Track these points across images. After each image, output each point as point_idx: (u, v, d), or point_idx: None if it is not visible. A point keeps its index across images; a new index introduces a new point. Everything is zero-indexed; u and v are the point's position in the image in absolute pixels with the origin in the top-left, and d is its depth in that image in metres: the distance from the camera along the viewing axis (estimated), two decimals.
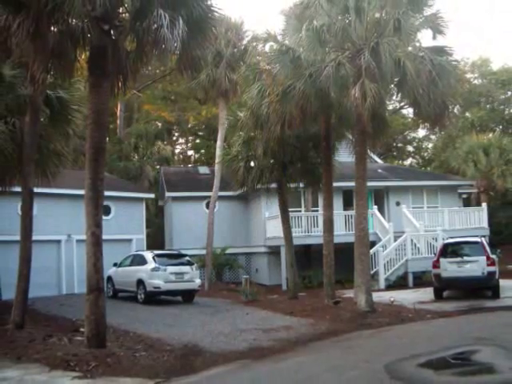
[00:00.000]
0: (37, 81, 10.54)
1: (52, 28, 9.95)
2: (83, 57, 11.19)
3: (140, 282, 17.94)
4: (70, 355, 9.18)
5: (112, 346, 10.15)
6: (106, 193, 11.32)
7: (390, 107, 37.23)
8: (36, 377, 8.18)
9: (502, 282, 17.31)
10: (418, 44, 15.50)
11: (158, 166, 35.08)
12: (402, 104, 34.68)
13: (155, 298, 18.00)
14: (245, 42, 24.68)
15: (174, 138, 47.95)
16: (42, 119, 13.39)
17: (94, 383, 7.94)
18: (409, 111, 39.23)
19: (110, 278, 19.42)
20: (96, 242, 10.01)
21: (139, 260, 18.76)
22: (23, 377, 8.14)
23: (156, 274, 17.64)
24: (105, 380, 8.10)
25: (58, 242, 21.32)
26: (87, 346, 9.76)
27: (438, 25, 14.62)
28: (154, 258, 18.22)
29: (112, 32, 10.22)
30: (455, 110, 16.84)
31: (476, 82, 42.74)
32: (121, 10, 10.69)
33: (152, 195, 27.41)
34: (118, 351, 9.71)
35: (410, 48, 15.14)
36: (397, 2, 14.43)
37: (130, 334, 11.92)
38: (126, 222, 23.22)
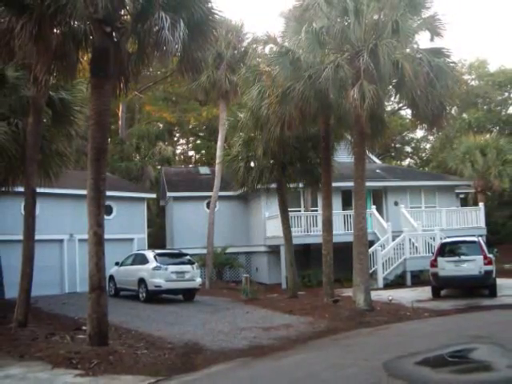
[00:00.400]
0: (39, 82, 10.63)
1: (54, 30, 9.99)
2: (85, 58, 11.28)
3: (141, 281, 18.04)
4: (73, 353, 9.21)
5: (114, 344, 10.18)
6: (108, 193, 11.43)
7: (389, 108, 37.28)
8: (39, 374, 8.23)
9: (499, 281, 17.47)
10: (415, 46, 15.53)
11: (159, 167, 35.19)
12: (400, 105, 34.73)
13: (156, 296, 18.10)
14: (245, 43, 24.83)
15: (175, 139, 48.02)
16: (44, 120, 13.43)
17: (96, 381, 7.99)
18: (407, 112, 39.37)
19: (111, 277, 19.48)
20: (98, 242, 10.05)
21: (141, 259, 18.86)
22: (26, 374, 8.20)
23: (157, 273, 17.75)
24: (107, 377, 8.15)
25: (61, 241, 21.38)
26: (89, 344, 9.79)
27: (436, 27, 14.70)
28: (155, 257, 18.32)
29: (114, 34, 10.25)
30: (453, 111, 17.00)
31: (473, 83, 42.84)
32: (122, 13, 10.71)
33: (153, 195, 27.55)
34: (119, 349, 9.76)
35: (408, 50, 15.20)
36: (395, 4, 14.50)
37: (132, 332, 11.98)
38: (127, 222, 23.30)
